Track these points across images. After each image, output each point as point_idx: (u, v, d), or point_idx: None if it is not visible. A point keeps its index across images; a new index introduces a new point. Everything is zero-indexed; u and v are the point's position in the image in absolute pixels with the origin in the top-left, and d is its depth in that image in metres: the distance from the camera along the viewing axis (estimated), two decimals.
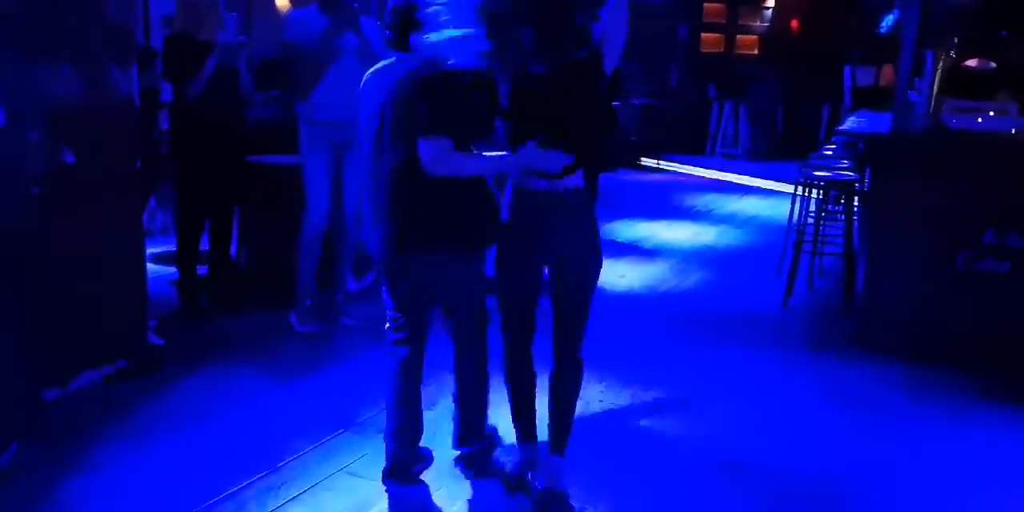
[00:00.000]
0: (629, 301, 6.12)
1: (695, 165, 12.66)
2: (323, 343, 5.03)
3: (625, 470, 3.73)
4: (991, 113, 6.01)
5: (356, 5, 4.88)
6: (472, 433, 3.57)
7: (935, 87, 6.40)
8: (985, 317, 4.98)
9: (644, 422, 4.22)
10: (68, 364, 4.18)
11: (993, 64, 7.56)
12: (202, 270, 5.48)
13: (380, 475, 3.43)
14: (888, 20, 12.39)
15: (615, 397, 4.45)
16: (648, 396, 4.50)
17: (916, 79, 6.47)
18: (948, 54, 7.00)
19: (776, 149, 13.14)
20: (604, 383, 4.57)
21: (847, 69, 11.03)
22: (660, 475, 3.69)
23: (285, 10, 8.81)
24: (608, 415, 4.26)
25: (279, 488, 3.45)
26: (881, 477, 3.74)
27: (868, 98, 10.08)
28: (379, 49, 5.04)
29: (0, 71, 3.70)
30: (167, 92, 6.46)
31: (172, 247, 5.61)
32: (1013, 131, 5.61)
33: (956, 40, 7.42)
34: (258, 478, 3.51)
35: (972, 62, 7.53)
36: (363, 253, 5.81)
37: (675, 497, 3.51)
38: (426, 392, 3.45)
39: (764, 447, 3.99)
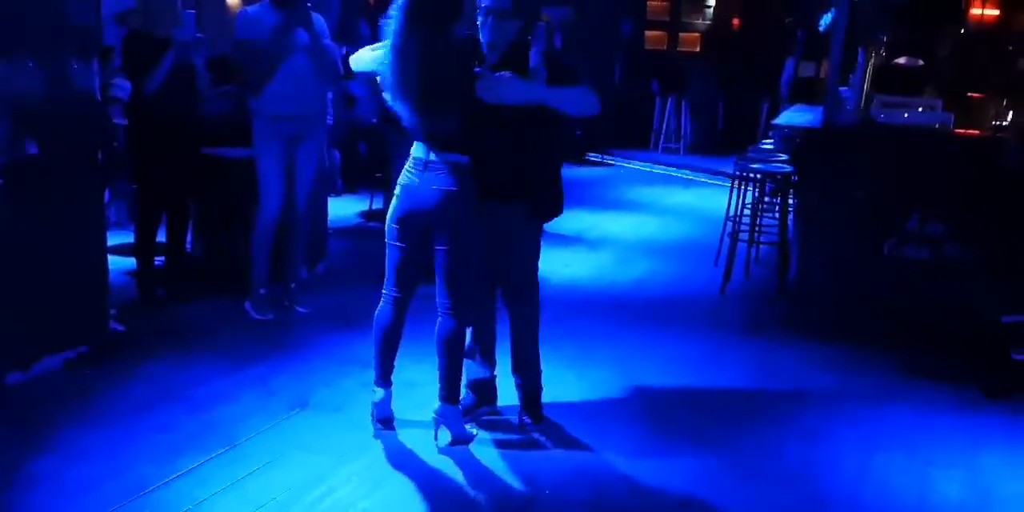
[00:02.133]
0: (574, 289, 6.34)
1: (639, 159, 12.88)
2: (277, 330, 5.18)
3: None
4: (919, 109, 6.32)
5: (308, 2, 4.98)
6: None
7: (866, 83, 6.70)
8: (909, 300, 5.29)
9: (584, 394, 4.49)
10: (30, 349, 4.30)
11: (921, 62, 7.89)
12: (159, 261, 5.58)
13: (334, 451, 3.67)
14: (826, 18, 12.74)
15: (559, 375, 4.67)
16: (587, 372, 4.74)
17: (850, 75, 6.75)
18: (879, 52, 7.31)
19: (716, 143, 13.41)
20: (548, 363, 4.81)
21: (790, 61, 11.32)
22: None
23: (236, 7, 8.91)
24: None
25: (237, 463, 3.60)
26: (803, 448, 4.00)
27: (809, 89, 10.34)
28: (330, 45, 5.19)
29: None
30: (121, 88, 6.58)
31: (128, 239, 5.74)
32: (936, 125, 5.92)
33: (885, 39, 7.75)
34: (217, 455, 3.66)
35: (901, 60, 7.86)
36: (314, 243, 5.96)
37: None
38: None
39: (694, 416, 4.30)
